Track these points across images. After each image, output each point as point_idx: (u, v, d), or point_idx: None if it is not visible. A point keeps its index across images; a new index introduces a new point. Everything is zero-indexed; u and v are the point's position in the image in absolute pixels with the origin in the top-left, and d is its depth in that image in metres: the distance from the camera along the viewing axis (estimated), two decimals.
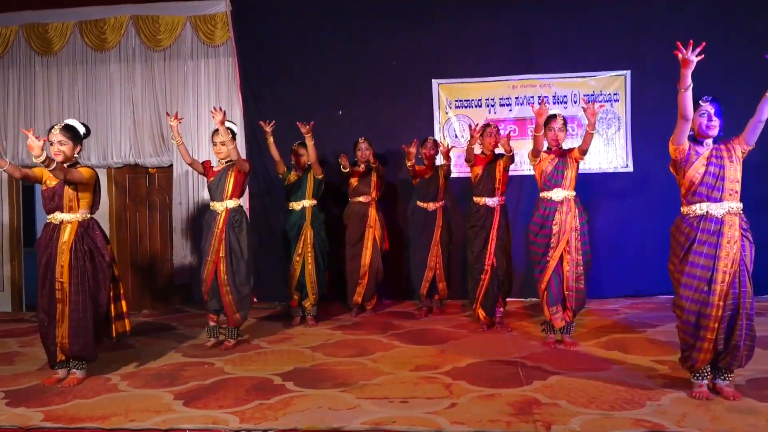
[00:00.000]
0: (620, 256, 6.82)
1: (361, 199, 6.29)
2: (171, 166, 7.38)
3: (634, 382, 3.87)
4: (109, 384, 4.20)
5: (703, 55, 3.35)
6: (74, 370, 4.28)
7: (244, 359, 4.80)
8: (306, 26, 7.16)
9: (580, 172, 4.96)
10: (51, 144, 4.16)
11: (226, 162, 5.20)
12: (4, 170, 4.05)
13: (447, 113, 7.12)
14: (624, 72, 6.88)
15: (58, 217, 4.20)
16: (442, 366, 4.37)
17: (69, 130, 4.21)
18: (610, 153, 6.93)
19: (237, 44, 7.21)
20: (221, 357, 4.85)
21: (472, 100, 7.09)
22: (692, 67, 3.38)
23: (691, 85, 3.39)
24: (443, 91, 7.11)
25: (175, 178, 7.34)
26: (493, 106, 7.06)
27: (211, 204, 5.21)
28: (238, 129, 7.30)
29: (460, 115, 7.11)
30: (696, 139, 3.63)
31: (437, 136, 7.05)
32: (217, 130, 5.09)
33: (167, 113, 5.31)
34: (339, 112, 7.17)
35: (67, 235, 4.17)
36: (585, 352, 4.66)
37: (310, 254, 5.87)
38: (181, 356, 4.95)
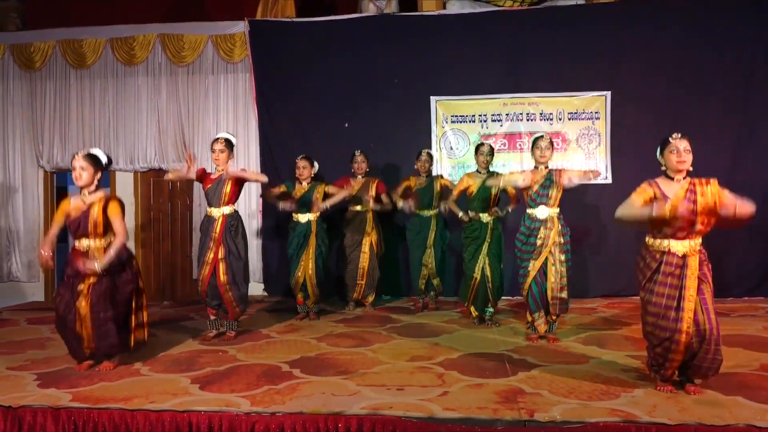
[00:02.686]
0: (599, 260, 6.81)
1: (359, 208, 6.27)
2: None
3: (610, 375, 3.86)
4: (132, 369, 4.20)
5: None
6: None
7: (255, 348, 4.79)
8: (316, 47, 7.16)
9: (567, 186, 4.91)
10: (73, 169, 4.12)
11: (222, 170, 5.06)
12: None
13: (443, 127, 7.11)
14: (605, 93, 6.87)
15: (84, 243, 4.11)
16: (435, 357, 4.37)
17: (91, 158, 4.13)
18: (591, 166, 6.89)
19: (254, 61, 7.21)
20: (234, 345, 4.84)
21: (467, 115, 7.09)
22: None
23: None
24: (440, 107, 7.11)
25: (196, 182, 7.32)
26: (485, 121, 7.06)
27: (208, 210, 5.07)
28: (254, 139, 7.35)
29: (455, 129, 7.10)
30: (667, 175, 3.51)
31: (434, 148, 7.04)
32: (216, 139, 5.07)
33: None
34: (345, 124, 7.17)
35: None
36: (565, 347, 4.65)
37: (311, 260, 5.78)
38: (198, 344, 4.94)
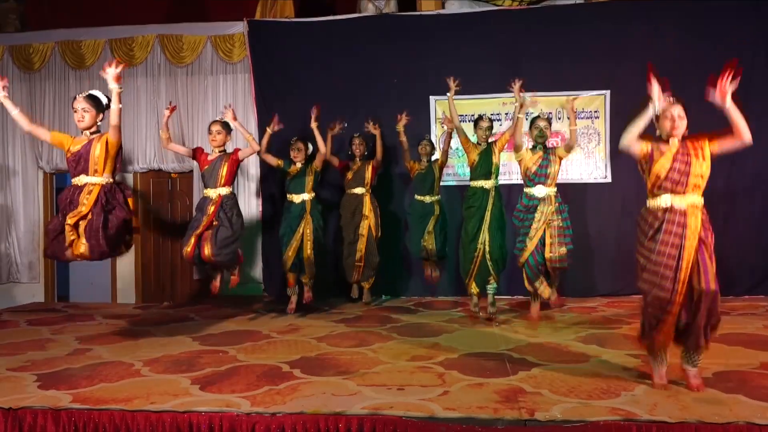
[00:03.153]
0: (599, 259, 6.80)
1: (356, 190, 6.31)
2: (191, 171, 7.38)
3: (610, 373, 3.86)
4: (132, 369, 4.20)
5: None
6: None
7: (255, 348, 4.79)
8: (315, 47, 7.17)
9: (563, 181, 4.98)
10: (75, 110, 4.17)
11: (219, 151, 5.16)
12: (13, 116, 4.14)
13: (443, 127, 7.10)
14: (604, 92, 6.87)
15: (83, 179, 4.18)
16: (435, 357, 4.37)
17: (92, 99, 4.24)
18: (590, 165, 6.93)
19: (253, 62, 7.21)
20: (234, 346, 4.84)
21: (466, 115, 7.06)
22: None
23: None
24: (440, 106, 7.11)
25: (195, 182, 7.33)
26: None
27: (205, 191, 5.18)
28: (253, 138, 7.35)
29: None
30: (661, 138, 3.58)
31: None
32: (215, 121, 5.21)
33: (168, 106, 5.36)
34: (345, 125, 7.17)
35: (92, 195, 4.18)
36: (566, 346, 4.65)
37: (309, 241, 5.82)
38: (198, 344, 4.94)
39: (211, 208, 5.03)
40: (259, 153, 5.91)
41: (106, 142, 4.29)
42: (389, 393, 3.58)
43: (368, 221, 6.28)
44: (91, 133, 4.24)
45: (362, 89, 7.17)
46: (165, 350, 4.71)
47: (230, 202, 5.13)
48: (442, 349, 4.59)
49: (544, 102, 6.96)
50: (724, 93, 3.31)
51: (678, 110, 3.51)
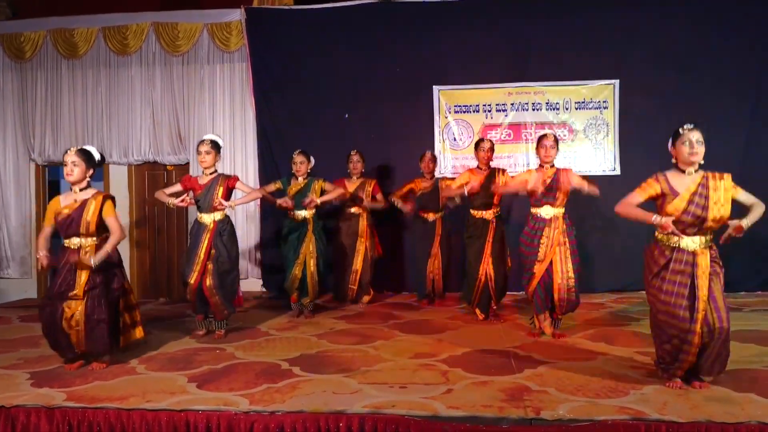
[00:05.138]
0: (607, 253, 6.80)
1: (353, 210, 6.28)
2: (188, 163, 7.38)
3: (619, 371, 3.86)
4: (128, 367, 4.20)
5: None
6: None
7: (254, 345, 4.80)
8: (315, 35, 7.15)
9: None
10: (65, 164, 4.11)
11: (210, 173, 5.00)
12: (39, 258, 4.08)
13: (447, 118, 7.10)
14: (613, 81, 6.85)
15: (75, 241, 4.11)
16: (439, 354, 4.37)
17: (84, 153, 4.12)
18: (598, 157, 6.91)
19: (250, 51, 7.19)
20: (232, 343, 4.85)
21: (470, 105, 7.07)
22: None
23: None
24: (443, 97, 7.09)
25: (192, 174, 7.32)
26: (489, 111, 7.04)
27: (199, 216, 5.02)
28: (251, 130, 7.34)
29: (458, 119, 7.09)
30: (678, 167, 3.48)
31: (437, 139, 7.05)
32: (203, 141, 4.99)
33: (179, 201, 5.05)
34: (345, 115, 7.16)
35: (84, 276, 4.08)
36: (573, 344, 4.65)
37: (312, 259, 5.72)
38: (195, 342, 4.95)
39: (207, 237, 4.94)
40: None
41: (101, 208, 4.13)
42: (391, 391, 3.58)
43: (365, 241, 6.25)
44: (81, 190, 4.17)
45: (363, 78, 7.15)
46: (161, 348, 4.72)
47: (226, 228, 5.02)
48: (446, 347, 4.59)
49: (550, 92, 6.96)
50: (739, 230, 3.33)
51: (697, 135, 3.39)
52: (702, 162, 3.43)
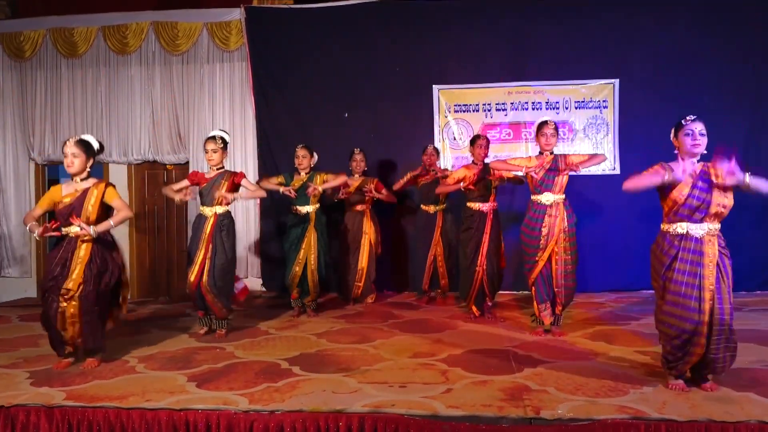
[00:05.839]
0: (607, 253, 6.80)
1: (357, 207, 6.30)
2: (187, 162, 7.38)
3: (618, 371, 3.86)
4: (127, 366, 4.21)
5: None
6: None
7: (253, 344, 4.80)
8: (314, 34, 7.15)
9: (570, 173, 4.91)
10: (65, 155, 4.12)
11: (217, 169, 5.06)
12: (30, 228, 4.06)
13: (446, 117, 7.10)
14: (613, 80, 6.85)
15: (75, 230, 4.10)
16: (438, 354, 4.37)
17: (83, 144, 4.14)
18: None
19: (250, 50, 7.19)
20: (232, 342, 4.85)
21: (470, 104, 7.07)
22: None
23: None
24: (443, 96, 7.10)
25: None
26: (489, 110, 7.04)
27: (201, 209, 5.07)
28: (251, 129, 7.34)
29: (458, 119, 7.09)
30: (680, 158, 3.52)
31: (437, 138, 7.05)
32: (210, 138, 5.01)
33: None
34: (345, 114, 7.16)
35: (83, 251, 4.11)
36: (572, 343, 4.65)
37: (313, 255, 5.73)
38: (195, 341, 4.95)
39: (208, 229, 4.97)
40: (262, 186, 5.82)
41: (103, 194, 4.16)
42: (391, 390, 3.58)
43: (369, 237, 6.27)
44: (81, 180, 4.17)
45: (363, 77, 7.16)
46: (161, 347, 4.73)
47: (226, 222, 5.02)
48: (446, 346, 4.59)
49: (550, 91, 6.97)
50: (731, 172, 3.28)
51: (699, 127, 3.43)
52: (705, 152, 3.47)
